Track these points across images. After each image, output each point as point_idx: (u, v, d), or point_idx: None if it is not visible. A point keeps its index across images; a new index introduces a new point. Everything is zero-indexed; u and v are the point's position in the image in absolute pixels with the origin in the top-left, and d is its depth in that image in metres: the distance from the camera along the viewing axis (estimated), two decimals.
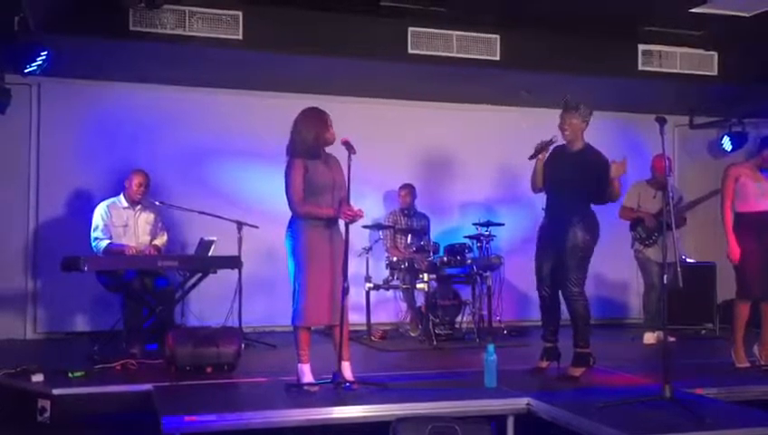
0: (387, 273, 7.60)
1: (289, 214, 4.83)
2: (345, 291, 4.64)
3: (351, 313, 5.12)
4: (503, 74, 7.33)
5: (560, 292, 5.29)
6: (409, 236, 7.59)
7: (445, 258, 7.33)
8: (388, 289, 7.58)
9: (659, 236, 6.85)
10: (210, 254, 6.38)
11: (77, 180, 7.52)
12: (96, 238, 6.30)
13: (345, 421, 4.22)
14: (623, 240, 7.26)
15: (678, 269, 4.50)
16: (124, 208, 6.45)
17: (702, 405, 4.23)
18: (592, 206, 5.29)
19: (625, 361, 6.08)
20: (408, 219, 7.89)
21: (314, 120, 4.80)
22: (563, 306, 5.32)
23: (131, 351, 5.69)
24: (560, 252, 5.20)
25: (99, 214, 6.38)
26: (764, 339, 5.75)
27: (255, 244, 6.99)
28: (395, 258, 7.51)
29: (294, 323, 4.77)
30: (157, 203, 6.73)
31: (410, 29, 6.86)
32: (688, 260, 7.95)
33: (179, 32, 6.31)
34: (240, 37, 6.45)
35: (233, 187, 7.88)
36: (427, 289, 7.10)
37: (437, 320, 7.16)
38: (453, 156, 8.55)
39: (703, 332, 7.75)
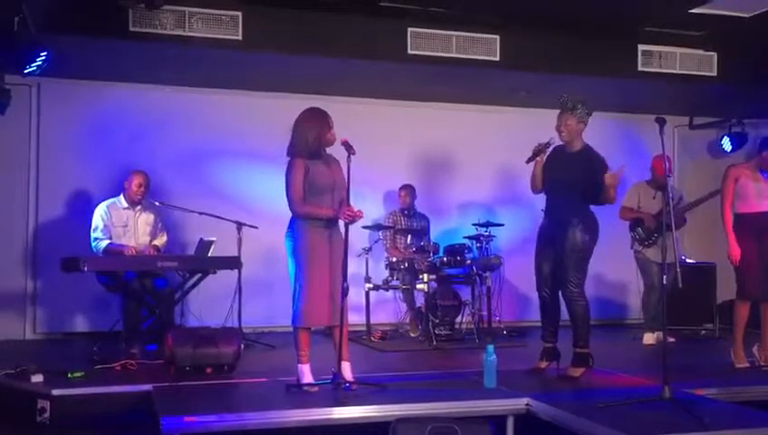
0: (386, 273, 7.60)
1: (288, 214, 4.82)
2: (345, 291, 4.64)
3: (351, 313, 5.12)
4: (502, 75, 7.33)
5: (559, 292, 5.29)
6: (409, 236, 7.60)
7: (444, 259, 7.33)
8: (387, 289, 7.58)
9: (659, 237, 6.85)
10: (210, 254, 6.38)
11: (77, 181, 7.53)
12: (96, 239, 6.30)
13: (345, 422, 4.22)
14: (623, 241, 7.26)
15: (678, 270, 4.50)
16: (124, 209, 6.46)
17: (701, 406, 4.23)
18: (592, 206, 5.28)
19: (624, 361, 6.09)
20: (408, 220, 7.89)
21: (315, 121, 4.80)
22: (563, 307, 5.32)
23: (131, 351, 5.70)
24: (559, 252, 5.21)
25: (98, 214, 6.38)
26: (764, 339, 5.76)
27: (255, 244, 6.99)
28: (395, 259, 7.52)
29: (295, 324, 4.77)
30: (156, 203, 6.73)
31: (410, 29, 6.86)
32: (688, 260, 7.95)
33: (179, 32, 6.31)
34: (240, 38, 6.46)
35: (232, 187, 7.88)
36: (426, 289, 7.10)
37: (437, 320, 7.16)
38: (453, 156, 8.55)
39: (702, 332, 7.75)
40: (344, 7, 6.58)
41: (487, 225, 7.59)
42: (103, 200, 6.54)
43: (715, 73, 7.60)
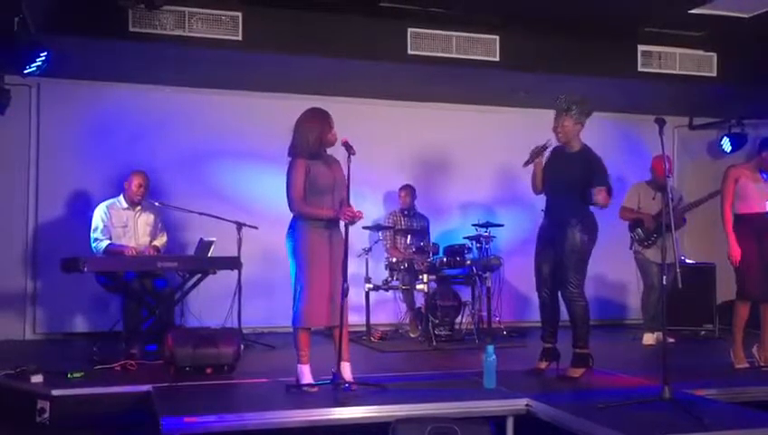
0: (386, 273, 7.60)
1: (288, 215, 4.83)
2: (345, 292, 4.64)
3: (351, 313, 5.12)
4: (502, 75, 7.33)
5: (559, 293, 5.29)
6: (409, 236, 7.60)
7: (444, 259, 7.33)
8: (387, 290, 7.57)
9: (658, 238, 6.85)
10: (209, 254, 6.37)
11: (77, 181, 7.53)
12: (96, 239, 6.30)
13: (345, 422, 4.22)
14: (622, 241, 7.26)
15: (678, 270, 4.50)
16: (124, 209, 6.45)
17: (701, 406, 4.23)
18: (591, 207, 5.28)
19: (624, 362, 6.09)
20: (408, 220, 7.89)
21: (316, 121, 4.81)
22: (563, 307, 5.32)
23: (131, 351, 5.70)
24: (559, 253, 5.21)
25: (98, 215, 6.38)
26: (764, 340, 5.76)
27: (255, 245, 6.99)
28: (395, 259, 7.52)
29: (295, 325, 4.77)
30: (156, 204, 6.73)
31: (410, 30, 6.87)
32: (688, 261, 7.95)
33: (179, 32, 6.32)
34: (239, 38, 6.46)
35: (232, 187, 7.88)
36: (426, 290, 7.10)
37: (437, 321, 7.16)
38: (453, 157, 8.55)
39: (702, 332, 7.75)
40: (344, 7, 6.58)
41: (487, 225, 7.59)
42: (103, 200, 6.53)
43: (714, 74, 7.61)
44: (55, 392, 4.62)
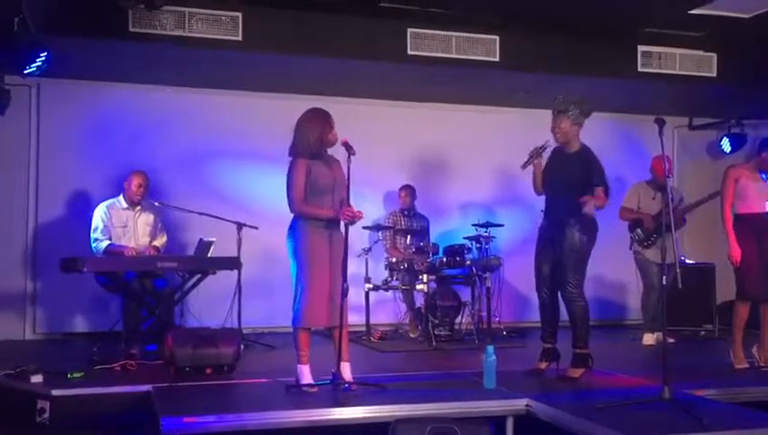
0: (386, 274, 7.60)
1: (288, 215, 4.83)
2: (345, 292, 4.64)
3: (351, 313, 5.12)
4: (502, 75, 7.33)
5: (559, 293, 5.29)
6: (409, 236, 7.60)
7: (444, 259, 7.33)
8: (387, 290, 7.57)
9: (658, 238, 6.85)
10: (209, 255, 6.38)
11: (77, 181, 7.52)
12: (96, 239, 6.30)
13: (344, 422, 4.22)
14: (622, 241, 7.26)
15: (678, 270, 4.50)
16: (124, 209, 6.45)
17: (701, 406, 4.23)
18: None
19: (624, 362, 6.09)
20: (408, 220, 7.89)
21: (317, 121, 4.81)
22: (563, 307, 5.32)
23: (131, 351, 5.70)
24: (558, 253, 5.21)
25: (98, 215, 6.38)
26: (763, 340, 5.76)
27: (255, 245, 6.99)
28: (394, 259, 7.52)
29: (295, 325, 4.76)
30: (156, 204, 6.72)
31: (410, 30, 6.87)
32: (687, 261, 7.95)
33: (179, 33, 6.31)
34: (239, 38, 6.46)
35: (232, 188, 7.88)
36: (426, 290, 7.10)
37: (437, 321, 7.16)
38: (453, 157, 8.55)
39: (702, 333, 7.75)
40: (344, 8, 6.58)
41: (487, 225, 7.59)
42: (103, 200, 6.53)
43: (714, 74, 7.61)
44: (55, 392, 4.62)
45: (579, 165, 5.25)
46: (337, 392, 4.58)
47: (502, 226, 7.81)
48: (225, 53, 6.54)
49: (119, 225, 6.38)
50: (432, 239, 7.80)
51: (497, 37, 7.06)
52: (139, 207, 6.51)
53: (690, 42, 7.45)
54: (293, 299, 4.75)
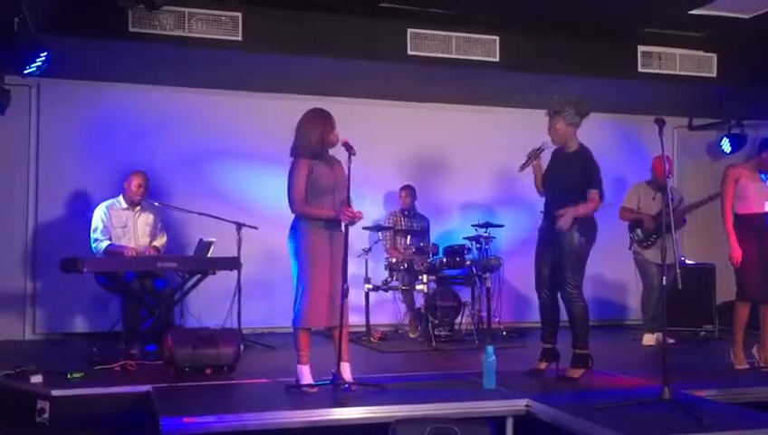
0: (386, 274, 7.60)
1: (288, 215, 4.83)
2: (345, 292, 4.64)
3: (351, 314, 5.11)
4: (502, 76, 7.33)
5: (558, 293, 5.29)
6: (409, 237, 7.60)
7: (444, 259, 7.33)
8: (387, 290, 7.57)
9: (658, 238, 6.85)
10: (209, 255, 6.37)
11: (77, 181, 7.52)
12: (96, 239, 6.30)
13: (344, 423, 4.21)
14: (622, 241, 7.26)
15: (678, 271, 4.50)
16: (123, 210, 6.45)
17: (701, 407, 4.23)
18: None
19: (624, 362, 6.09)
20: (408, 220, 7.89)
21: (319, 122, 4.81)
22: (563, 308, 5.32)
23: (130, 352, 5.70)
24: (557, 254, 5.21)
25: (98, 215, 6.37)
26: (764, 340, 5.76)
27: (255, 245, 6.99)
28: (394, 259, 7.52)
29: (295, 325, 4.76)
30: (156, 204, 6.72)
31: (410, 30, 6.87)
32: (687, 261, 7.95)
33: (179, 33, 6.32)
34: (239, 38, 6.46)
35: (232, 188, 7.88)
36: (426, 290, 7.10)
37: (437, 321, 7.15)
38: (453, 157, 8.54)
39: (702, 333, 7.75)
40: (344, 7, 6.58)
41: (487, 226, 7.59)
42: (103, 200, 6.53)
43: (714, 74, 7.61)
44: (55, 393, 4.62)
45: (577, 165, 5.25)
46: (337, 393, 4.58)
47: (502, 226, 7.80)
48: (224, 53, 6.54)
49: (118, 225, 6.38)
50: (432, 239, 7.80)
51: (497, 37, 7.06)
52: (138, 208, 6.50)
53: (690, 42, 7.45)
54: (294, 299, 4.75)
